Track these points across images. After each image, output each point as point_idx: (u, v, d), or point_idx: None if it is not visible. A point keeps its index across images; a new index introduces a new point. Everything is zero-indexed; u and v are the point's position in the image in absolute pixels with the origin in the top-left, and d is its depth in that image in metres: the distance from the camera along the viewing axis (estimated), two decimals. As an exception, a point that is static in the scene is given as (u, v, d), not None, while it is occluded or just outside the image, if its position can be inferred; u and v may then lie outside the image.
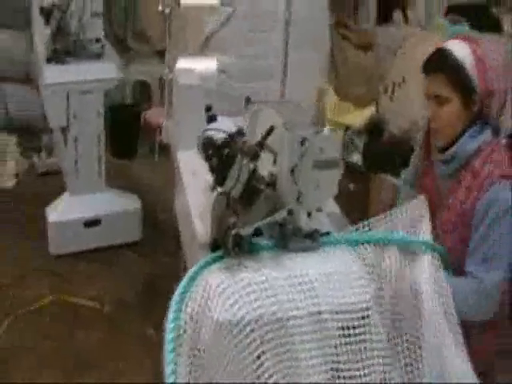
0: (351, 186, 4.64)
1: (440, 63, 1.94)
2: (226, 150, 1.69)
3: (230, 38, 4.63)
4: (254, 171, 1.70)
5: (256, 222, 1.69)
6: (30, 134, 4.73)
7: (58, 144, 4.13)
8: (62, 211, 3.61)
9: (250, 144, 1.71)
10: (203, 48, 4.73)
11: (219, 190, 1.73)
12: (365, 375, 1.58)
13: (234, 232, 1.62)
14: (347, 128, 5.13)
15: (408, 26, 5.76)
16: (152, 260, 3.55)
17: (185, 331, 1.54)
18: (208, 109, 2.23)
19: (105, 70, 3.48)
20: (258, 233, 1.80)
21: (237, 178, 1.64)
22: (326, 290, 1.60)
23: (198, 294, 1.57)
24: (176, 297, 1.57)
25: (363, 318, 1.60)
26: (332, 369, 1.59)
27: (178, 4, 2.35)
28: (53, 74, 3.36)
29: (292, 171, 1.71)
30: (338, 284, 1.62)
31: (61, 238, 3.59)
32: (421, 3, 6.06)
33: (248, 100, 2.37)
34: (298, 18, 4.76)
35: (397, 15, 6.03)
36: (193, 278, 1.62)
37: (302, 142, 1.70)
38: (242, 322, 1.51)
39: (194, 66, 2.53)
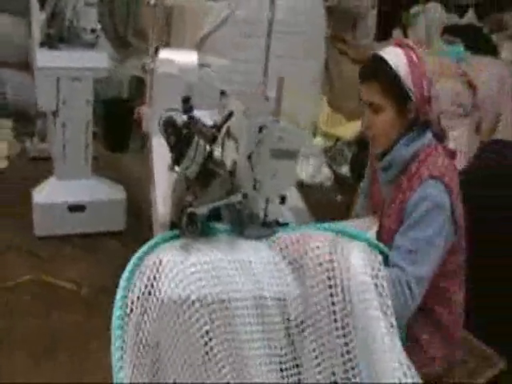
0: (338, 197, 4.69)
1: (374, 71, 1.95)
2: (185, 131, 1.74)
3: (225, 41, 4.72)
4: (211, 154, 1.76)
5: (212, 203, 1.75)
6: (26, 119, 4.81)
7: (50, 129, 4.20)
8: (47, 194, 3.67)
9: (209, 127, 1.77)
10: (199, 47, 4.83)
11: (176, 169, 1.78)
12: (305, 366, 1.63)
13: (188, 210, 1.69)
14: (337, 139, 5.23)
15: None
16: (134, 250, 3.55)
17: (131, 312, 1.59)
18: (185, 100, 2.29)
19: (96, 59, 3.53)
20: (218, 217, 1.87)
21: (192, 158, 1.70)
22: (266, 277, 1.65)
23: (146, 273, 1.62)
24: (123, 282, 1.63)
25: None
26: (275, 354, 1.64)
27: (163, -5, 2.39)
28: (44, 58, 3.42)
29: (249, 158, 1.77)
30: (278, 273, 1.68)
31: (45, 220, 3.65)
32: (421, 22, 6.16)
33: (222, 93, 2.44)
34: (296, 28, 4.86)
35: (397, 33, 6.13)
36: (140, 258, 1.68)
37: (260, 129, 1.76)
38: (188, 300, 1.56)
39: (175, 58, 2.58)
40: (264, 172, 1.78)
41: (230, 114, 1.79)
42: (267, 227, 1.85)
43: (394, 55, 1.92)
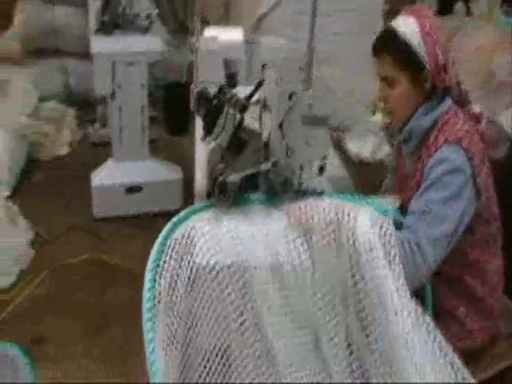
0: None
1: (386, 44, 1.93)
2: (216, 101, 1.77)
3: (281, 20, 4.74)
4: (241, 123, 1.78)
5: (243, 171, 1.77)
6: (88, 106, 4.93)
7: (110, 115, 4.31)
8: (105, 176, 3.79)
9: (239, 97, 1.79)
10: (257, 27, 4.85)
11: (207, 139, 1.81)
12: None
13: (219, 179, 1.71)
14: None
15: (467, 18, 5.72)
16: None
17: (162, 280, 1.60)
18: (230, 76, 2.31)
19: (149, 44, 3.62)
20: (255, 187, 1.89)
21: (222, 127, 1.73)
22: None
23: (178, 240, 1.64)
24: (156, 245, 1.66)
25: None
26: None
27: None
28: (99, 44, 3.53)
29: (281, 126, 1.78)
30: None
31: (103, 201, 3.76)
32: (485, -4, 5.97)
33: (264, 66, 2.45)
34: (351, 4, 4.82)
35: (459, 7, 5.97)
36: (172, 229, 1.70)
37: (290, 97, 1.77)
38: (217, 267, 1.57)
39: (219, 35, 2.61)
40: (296, 139, 1.79)
41: (260, 83, 1.81)
42: (302, 196, 1.85)
43: (405, 25, 1.89)
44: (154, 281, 1.62)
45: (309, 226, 1.62)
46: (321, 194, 1.89)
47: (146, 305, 1.59)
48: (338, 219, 1.60)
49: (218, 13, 5.46)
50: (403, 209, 1.91)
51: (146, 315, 1.57)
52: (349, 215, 1.60)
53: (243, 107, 1.76)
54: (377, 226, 1.57)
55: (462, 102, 1.97)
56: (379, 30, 4.14)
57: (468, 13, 5.91)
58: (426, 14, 1.91)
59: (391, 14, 5.34)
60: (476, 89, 4.54)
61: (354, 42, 4.86)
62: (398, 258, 1.53)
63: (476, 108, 1.98)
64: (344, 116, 4.65)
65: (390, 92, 1.94)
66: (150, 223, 3.68)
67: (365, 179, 3.81)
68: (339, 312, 1.57)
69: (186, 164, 4.00)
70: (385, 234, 1.55)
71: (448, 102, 1.92)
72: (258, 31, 4.82)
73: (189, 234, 1.65)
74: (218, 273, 1.58)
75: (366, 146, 4.75)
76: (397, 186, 2.13)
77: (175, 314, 1.60)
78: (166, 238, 1.69)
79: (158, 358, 1.52)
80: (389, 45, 1.91)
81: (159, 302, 1.60)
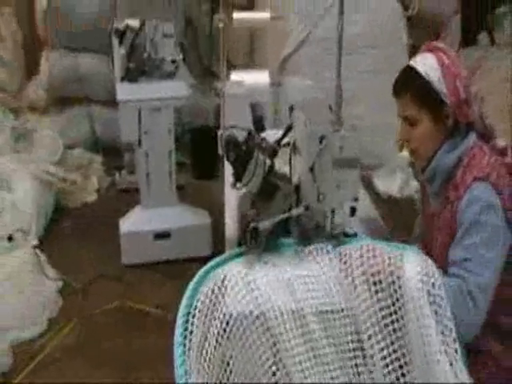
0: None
1: (405, 83, 1.89)
2: (245, 147, 1.74)
3: (306, 61, 4.76)
4: (272, 168, 1.75)
5: (275, 217, 1.73)
6: (115, 153, 4.95)
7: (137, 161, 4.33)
8: (133, 223, 3.78)
9: (269, 142, 1.77)
10: (282, 68, 4.87)
11: (237, 186, 1.78)
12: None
13: (251, 226, 1.68)
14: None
15: (492, 48, 5.69)
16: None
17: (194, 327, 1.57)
18: (257, 120, 2.29)
19: (175, 89, 3.62)
20: (287, 232, 1.85)
21: (252, 173, 1.70)
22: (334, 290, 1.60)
23: (210, 287, 1.60)
24: (185, 300, 1.62)
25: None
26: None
27: (231, 19, 2.43)
28: (125, 92, 3.54)
29: (312, 169, 1.75)
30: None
31: (132, 248, 3.74)
32: (508, 23, 5.95)
33: (291, 108, 2.43)
34: (376, 41, 4.83)
35: (482, 37, 5.96)
36: (204, 276, 1.67)
37: (321, 140, 1.74)
38: (251, 315, 1.53)
39: (246, 79, 2.60)
40: (327, 183, 1.75)
41: (290, 127, 1.79)
42: (334, 239, 1.81)
43: (423, 62, 1.86)
44: (186, 327, 1.58)
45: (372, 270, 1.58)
46: (354, 236, 1.86)
47: (177, 350, 1.55)
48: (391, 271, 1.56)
49: (243, 56, 5.50)
50: (433, 248, 1.88)
51: (178, 360, 1.54)
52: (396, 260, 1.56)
53: (273, 152, 1.74)
54: (424, 274, 1.52)
55: (486, 136, 1.92)
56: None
57: (492, 42, 5.89)
58: (444, 49, 1.87)
59: (415, 49, 5.36)
60: (501, 122, 4.49)
61: (379, 79, 4.86)
62: (445, 306, 1.48)
63: (501, 142, 1.94)
64: (371, 154, 4.62)
65: (411, 132, 1.91)
66: (178, 270, 3.65)
67: (394, 216, 3.77)
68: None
69: (214, 209, 3.98)
70: (433, 285, 1.50)
71: (472, 138, 1.87)
72: (283, 72, 4.84)
73: (222, 283, 1.62)
74: (250, 323, 1.54)
75: (394, 182, 4.72)
76: (424, 226, 2.09)
77: (207, 361, 1.57)
78: (198, 284, 1.66)
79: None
80: (409, 84, 1.88)
81: (189, 349, 1.56)
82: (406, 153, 5.26)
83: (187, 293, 1.64)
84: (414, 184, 4.75)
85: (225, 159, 2.15)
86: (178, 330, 1.57)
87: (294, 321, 1.54)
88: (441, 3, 5.16)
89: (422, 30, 5.19)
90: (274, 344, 1.55)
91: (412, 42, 5.12)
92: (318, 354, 1.54)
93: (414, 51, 5.15)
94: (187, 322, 1.58)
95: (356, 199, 1.82)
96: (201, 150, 5.02)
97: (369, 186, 4.64)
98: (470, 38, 5.83)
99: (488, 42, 5.94)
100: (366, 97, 4.77)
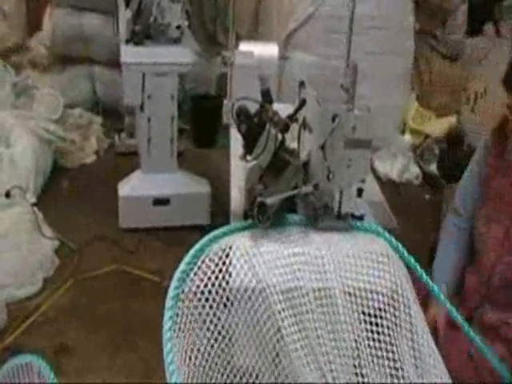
0: (427, 196, 4.60)
1: None
2: (257, 119, 1.73)
3: (311, 37, 4.72)
4: (283, 143, 1.74)
5: (283, 193, 1.73)
6: (115, 115, 4.92)
7: (138, 125, 4.30)
8: (132, 187, 3.76)
9: (281, 116, 1.76)
10: (286, 43, 4.83)
11: (247, 158, 1.78)
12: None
13: (258, 200, 1.68)
14: (426, 136, 5.13)
15: (497, 39, 5.67)
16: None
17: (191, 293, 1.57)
18: (265, 92, 2.27)
19: (180, 55, 3.59)
20: (294, 208, 1.85)
21: (263, 147, 1.69)
22: (339, 270, 1.61)
23: (212, 257, 1.62)
24: (187, 258, 1.62)
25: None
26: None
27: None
28: (130, 54, 3.51)
29: (322, 148, 1.74)
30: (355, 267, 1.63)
31: (130, 212, 3.74)
32: (513, 15, 5.92)
33: (302, 83, 2.42)
34: (383, 22, 4.80)
35: (488, 28, 5.93)
36: (207, 245, 1.68)
37: (334, 118, 1.73)
38: (258, 287, 1.55)
39: (255, 50, 2.57)
40: (337, 162, 1.74)
41: (303, 103, 1.78)
42: (341, 219, 1.81)
43: None
44: (180, 291, 1.58)
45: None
46: (361, 218, 1.86)
47: (167, 312, 1.56)
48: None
49: (248, 27, 5.45)
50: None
51: (166, 324, 1.55)
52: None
53: (285, 127, 1.73)
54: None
55: None
56: (411, 50, 4.09)
57: (498, 34, 5.87)
58: None
59: (424, 34, 5.33)
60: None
61: (384, 61, 4.84)
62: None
63: None
64: (374, 136, 4.63)
65: None
66: (176, 237, 3.64)
67: (394, 199, 3.79)
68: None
69: (214, 177, 3.99)
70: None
71: None
72: (287, 47, 4.80)
73: (226, 254, 1.62)
74: (253, 297, 1.55)
75: (394, 166, 4.72)
76: (502, 213, 2.08)
77: (203, 329, 1.58)
78: (200, 252, 1.66)
79: (178, 370, 1.49)
80: None
81: (183, 314, 1.57)
82: (407, 137, 5.29)
83: (186, 259, 1.62)
84: (414, 169, 4.77)
85: (231, 129, 2.14)
86: (172, 293, 1.57)
87: (291, 299, 1.55)
88: (449, -10, 5.13)
89: (428, 16, 5.17)
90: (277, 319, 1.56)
91: (419, 26, 5.10)
92: (312, 335, 1.55)
93: (419, 36, 5.14)
94: (181, 287, 1.58)
95: (363, 180, 1.82)
96: (202, 118, 4.99)
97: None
98: (476, 27, 5.81)
99: (493, 33, 5.92)
100: (370, 78, 4.73)
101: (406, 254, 1.68)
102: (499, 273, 2.04)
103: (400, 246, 1.69)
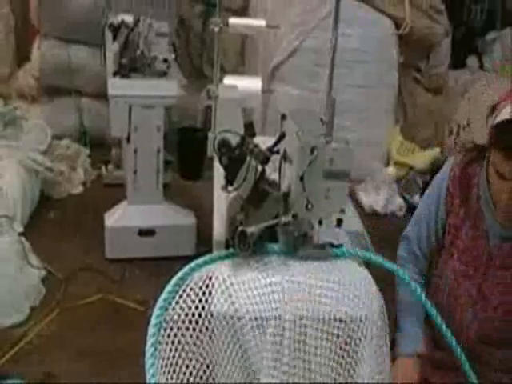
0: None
1: None
2: (238, 151, 1.79)
3: (295, 71, 4.80)
4: (263, 174, 1.80)
5: (263, 222, 1.78)
6: (102, 146, 4.98)
7: (124, 157, 4.36)
8: (118, 218, 3.81)
9: (262, 148, 1.81)
10: (271, 76, 4.91)
11: (229, 189, 1.83)
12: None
13: (239, 229, 1.73)
14: (410, 168, 5.21)
15: (480, 71, 5.79)
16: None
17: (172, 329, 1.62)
18: (248, 125, 2.33)
19: (166, 88, 3.67)
20: (275, 238, 1.90)
21: (244, 178, 1.75)
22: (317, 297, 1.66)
23: (194, 285, 1.65)
24: (169, 286, 1.66)
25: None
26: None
27: (227, 23, 2.46)
28: (117, 87, 3.57)
29: (302, 179, 1.80)
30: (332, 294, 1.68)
31: (116, 243, 3.78)
32: (497, 49, 6.05)
33: (283, 116, 2.48)
34: (367, 56, 4.89)
35: (471, 60, 6.06)
36: (188, 273, 1.71)
37: (312, 151, 1.79)
38: (236, 315, 1.59)
39: (239, 83, 2.64)
40: (316, 193, 1.79)
41: (283, 136, 1.84)
42: (320, 249, 1.86)
43: None
44: (160, 323, 1.62)
45: None
46: (339, 246, 1.91)
47: (150, 339, 1.61)
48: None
49: (235, 61, 5.54)
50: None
51: (148, 351, 1.61)
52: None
53: (265, 159, 1.78)
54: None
55: None
56: (395, 83, 4.12)
57: (481, 66, 6.00)
58: None
59: (408, 67, 5.44)
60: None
61: (368, 94, 4.93)
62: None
63: None
64: (357, 168, 4.69)
65: None
66: (161, 267, 3.67)
67: (378, 231, 3.83)
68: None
69: (199, 209, 4.03)
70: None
71: None
72: (273, 80, 4.89)
73: (206, 283, 1.66)
74: (235, 324, 1.59)
75: (378, 197, 4.79)
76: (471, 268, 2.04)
77: (185, 356, 1.62)
78: (181, 280, 1.69)
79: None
80: None
81: (165, 341, 1.62)
82: (391, 168, 5.34)
83: (168, 287, 1.66)
84: (398, 200, 4.83)
85: (215, 161, 2.20)
86: (154, 321, 1.62)
87: (266, 328, 1.59)
88: (433, 24, 5.23)
89: (412, 49, 5.28)
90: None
91: (402, 59, 5.20)
92: (285, 362, 1.59)
93: (403, 69, 5.24)
94: (163, 314, 1.63)
95: (343, 211, 1.87)
96: (188, 150, 5.04)
97: (352, 199, 4.70)
98: (459, 60, 5.93)
99: (477, 65, 6.04)
100: (354, 110, 4.83)
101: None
102: (477, 330, 2.00)
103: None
